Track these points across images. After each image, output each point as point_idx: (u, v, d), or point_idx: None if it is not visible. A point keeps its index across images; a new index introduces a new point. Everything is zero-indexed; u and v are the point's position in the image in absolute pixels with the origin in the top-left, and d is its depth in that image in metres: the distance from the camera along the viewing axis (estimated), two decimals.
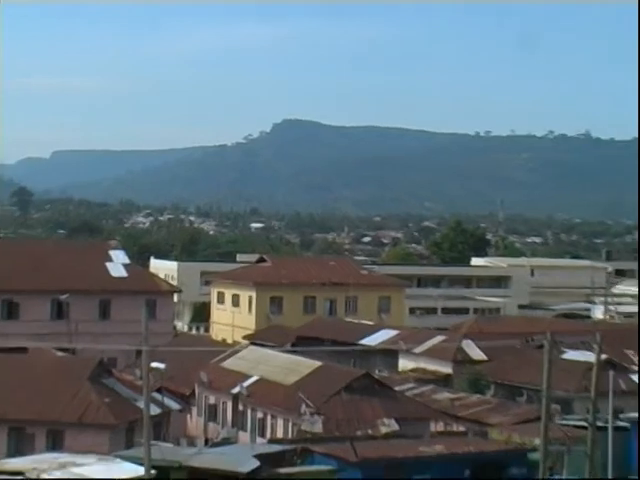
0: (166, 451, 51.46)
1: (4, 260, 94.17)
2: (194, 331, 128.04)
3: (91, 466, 48.68)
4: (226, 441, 63.69)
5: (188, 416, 73.82)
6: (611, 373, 54.67)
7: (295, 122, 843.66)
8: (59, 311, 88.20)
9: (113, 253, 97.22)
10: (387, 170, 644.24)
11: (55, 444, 56.93)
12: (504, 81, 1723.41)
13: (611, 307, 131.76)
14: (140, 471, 44.43)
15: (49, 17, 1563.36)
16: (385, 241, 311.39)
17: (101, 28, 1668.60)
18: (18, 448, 56.72)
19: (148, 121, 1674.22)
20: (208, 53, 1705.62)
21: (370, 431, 59.74)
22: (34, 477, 45.60)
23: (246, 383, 70.41)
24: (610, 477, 48.53)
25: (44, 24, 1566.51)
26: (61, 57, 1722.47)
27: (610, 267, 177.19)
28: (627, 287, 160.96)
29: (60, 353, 73.98)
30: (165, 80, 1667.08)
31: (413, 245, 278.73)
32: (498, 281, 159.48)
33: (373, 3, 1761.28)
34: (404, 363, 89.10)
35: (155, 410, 54.96)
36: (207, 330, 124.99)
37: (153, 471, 43.11)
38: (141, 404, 47.78)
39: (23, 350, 73.49)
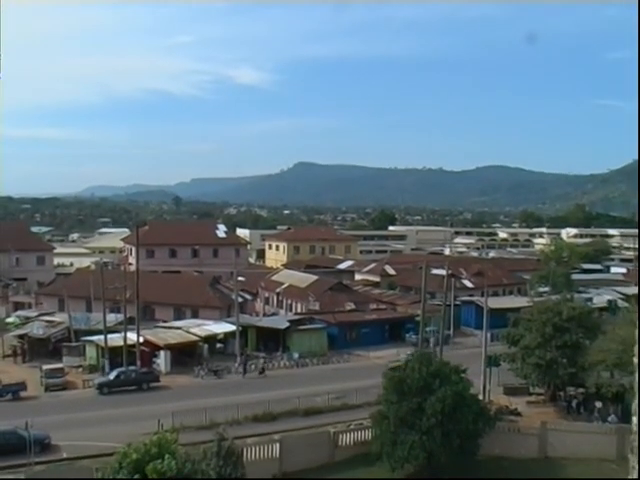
0: (246, 319, 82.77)
1: (170, 230, 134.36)
2: (258, 262, 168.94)
3: (211, 325, 79.12)
4: (273, 314, 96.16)
5: (255, 302, 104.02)
6: (452, 279, 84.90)
7: None
8: (194, 254, 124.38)
9: (219, 226, 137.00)
10: None
11: (194, 315, 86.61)
12: None
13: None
14: (233, 327, 76.06)
15: None
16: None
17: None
18: (177, 317, 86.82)
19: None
20: None
21: (341, 309, 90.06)
22: (186, 330, 75.82)
23: (282, 287, 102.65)
24: None
25: None
26: None
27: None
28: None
29: (195, 273, 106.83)
30: None
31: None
32: (401, 237, 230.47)
33: None
34: (357, 276, 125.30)
35: (239, 299, 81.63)
36: (263, 262, 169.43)
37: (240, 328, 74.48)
38: (233, 297, 79.61)
39: (178, 272, 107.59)
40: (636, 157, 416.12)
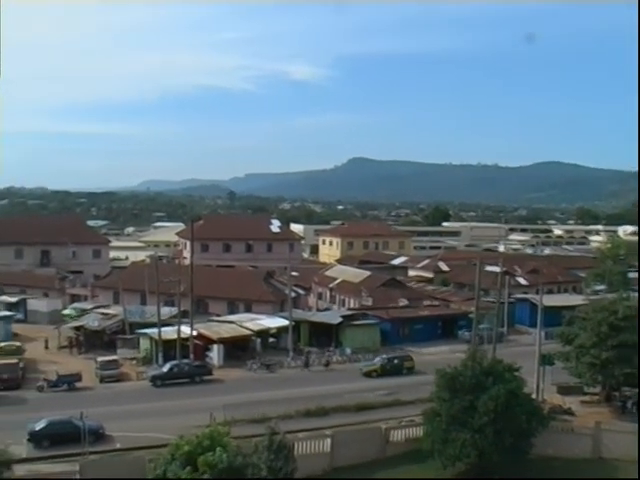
0: (299, 313, 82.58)
1: (224, 224, 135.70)
2: (311, 258, 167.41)
3: (264, 319, 78.98)
4: (326, 309, 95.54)
5: (308, 297, 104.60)
6: (506, 277, 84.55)
7: None
8: (248, 248, 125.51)
9: (273, 221, 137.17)
10: None
11: (247, 309, 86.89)
12: None
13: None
14: (286, 322, 76.12)
15: None
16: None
17: None
18: (231, 311, 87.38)
19: None
20: None
21: (394, 304, 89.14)
22: (239, 324, 76.00)
23: (335, 282, 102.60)
24: None
25: None
26: None
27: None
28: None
29: (249, 268, 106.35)
30: None
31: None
32: (455, 234, 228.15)
33: None
34: (410, 272, 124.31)
35: (293, 294, 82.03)
36: (317, 257, 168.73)
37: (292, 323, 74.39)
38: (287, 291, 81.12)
39: (232, 267, 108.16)
40: None
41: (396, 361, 67.25)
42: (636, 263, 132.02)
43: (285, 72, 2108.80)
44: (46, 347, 76.52)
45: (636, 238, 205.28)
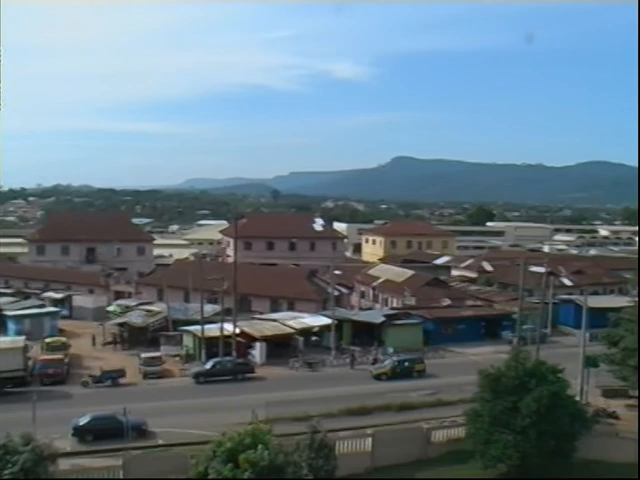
0: (341, 312, 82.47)
1: (267, 222, 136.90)
2: (354, 256, 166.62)
3: (307, 318, 79.23)
4: (369, 308, 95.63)
5: (351, 296, 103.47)
6: (551, 277, 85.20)
7: None
8: (291, 247, 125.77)
9: (316, 219, 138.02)
10: None
11: (290, 308, 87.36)
12: None
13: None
14: (329, 320, 75.48)
15: None
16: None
17: None
18: (274, 309, 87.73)
19: None
20: None
21: (437, 304, 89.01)
22: (282, 322, 76.36)
23: (378, 281, 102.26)
24: None
25: None
26: None
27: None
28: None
29: (292, 266, 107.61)
30: None
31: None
32: (499, 234, 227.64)
33: None
34: (453, 272, 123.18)
35: (335, 293, 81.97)
36: (360, 256, 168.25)
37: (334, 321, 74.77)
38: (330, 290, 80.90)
39: (275, 265, 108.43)
40: None
41: (407, 364, 66.01)
42: None
43: (329, 70, 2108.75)
44: (93, 344, 77.40)
45: None
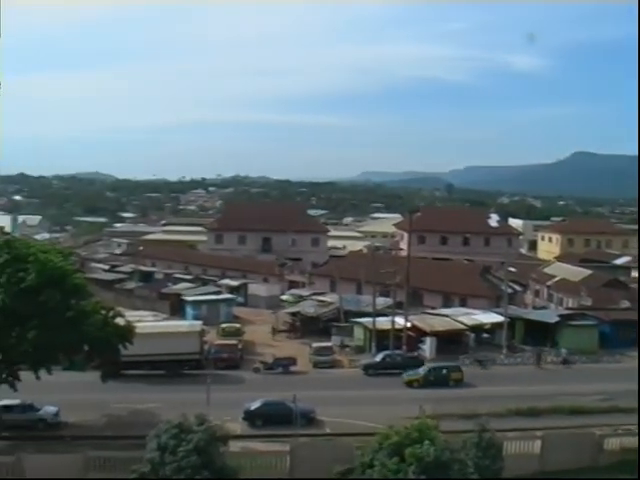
0: (514, 310, 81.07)
1: (441, 217, 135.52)
2: (529, 254, 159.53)
3: (478, 314, 78.29)
4: (543, 307, 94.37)
5: (525, 294, 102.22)
6: None
7: None
8: (465, 242, 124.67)
9: (491, 215, 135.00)
10: None
11: (462, 304, 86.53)
12: None
13: None
14: (501, 318, 74.18)
15: None
16: None
17: None
18: (445, 304, 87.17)
19: None
20: None
21: (615, 306, 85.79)
22: (453, 318, 75.78)
23: (553, 280, 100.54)
24: None
25: None
26: None
27: None
28: None
29: (465, 262, 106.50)
30: None
31: None
32: None
33: None
34: (633, 273, 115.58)
35: (509, 290, 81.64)
36: (535, 253, 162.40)
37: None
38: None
39: (447, 260, 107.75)
40: None
41: (444, 371, 61.88)
42: None
43: (506, 63, 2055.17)
44: (273, 334, 79.20)
45: None
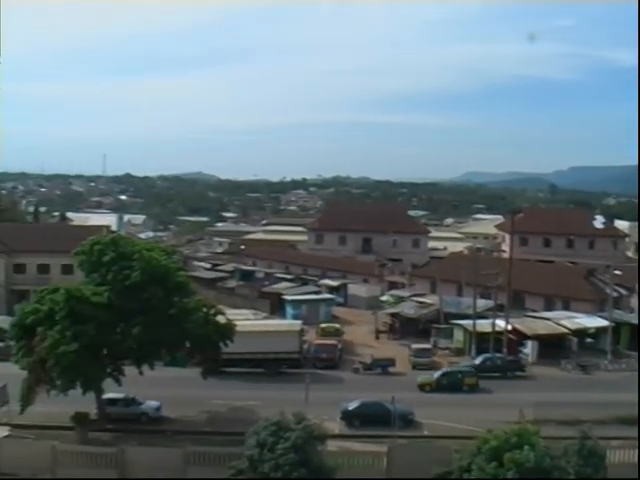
0: (620, 314, 77.81)
1: (544, 218, 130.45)
2: (636, 256, 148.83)
3: (582, 318, 75.26)
4: None
5: (631, 298, 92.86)
6: None
7: None
8: (569, 244, 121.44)
9: (596, 216, 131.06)
10: None
11: (565, 307, 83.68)
12: None
13: None
14: (606, 322, 73.36)
15: None
16: None
17: None
18: (547, 307, 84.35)
19: None
20: None
21: None
22: (555, 321, 73.94)
23: None
24: None
25: None
26: None
27: None
28: None
29: (569, 264, 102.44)
30: None
31: None
32: None
33: None
34: None
35: (615, 294, 78.27)
36: None
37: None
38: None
39: (551, 262, 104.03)
40: None
41: (460, 375, 60.11)
42: None
43: (611, 59, 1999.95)
44: (376, 335, 79.07)
45: None
